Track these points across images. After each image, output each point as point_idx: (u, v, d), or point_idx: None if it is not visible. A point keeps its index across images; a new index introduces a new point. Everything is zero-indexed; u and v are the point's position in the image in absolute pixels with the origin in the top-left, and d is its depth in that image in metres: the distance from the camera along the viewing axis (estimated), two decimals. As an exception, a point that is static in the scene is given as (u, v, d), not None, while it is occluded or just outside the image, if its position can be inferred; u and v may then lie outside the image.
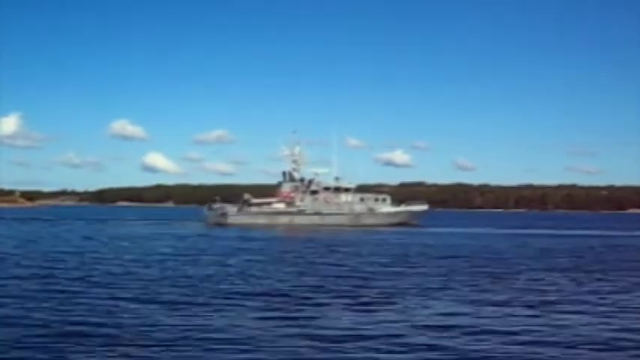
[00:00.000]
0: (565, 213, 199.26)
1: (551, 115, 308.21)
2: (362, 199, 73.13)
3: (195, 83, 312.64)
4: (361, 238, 49.04)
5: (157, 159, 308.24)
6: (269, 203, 71.92)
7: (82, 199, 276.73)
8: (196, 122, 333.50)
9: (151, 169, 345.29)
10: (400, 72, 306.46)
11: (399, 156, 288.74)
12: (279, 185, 73.28)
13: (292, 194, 71.44)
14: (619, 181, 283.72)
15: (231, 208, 71.14)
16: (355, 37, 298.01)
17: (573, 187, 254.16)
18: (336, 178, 73.01)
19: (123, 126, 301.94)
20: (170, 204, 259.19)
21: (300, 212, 70.52)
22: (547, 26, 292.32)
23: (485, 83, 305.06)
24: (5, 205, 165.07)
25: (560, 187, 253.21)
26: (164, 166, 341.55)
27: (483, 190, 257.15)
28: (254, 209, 71.08)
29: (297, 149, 72.81)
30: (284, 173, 73.12)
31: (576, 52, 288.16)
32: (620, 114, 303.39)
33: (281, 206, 71.01)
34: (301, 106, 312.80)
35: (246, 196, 72.74)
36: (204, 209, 74.11)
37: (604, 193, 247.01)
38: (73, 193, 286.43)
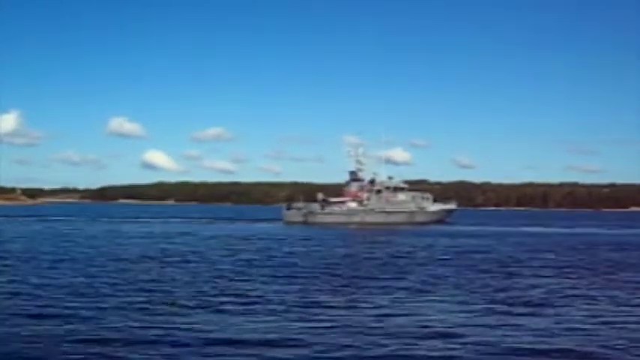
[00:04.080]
0: (568, 211, 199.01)
1: (552, 113, 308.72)
2: (413, 198, 77.37)
3: (191, 80, 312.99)
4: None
5: (156, 157, 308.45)
6: (343, 202, 75.50)
7: (83, 197, 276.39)
8: (193, 119, 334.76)
9: (150, 167, 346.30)
10: (398, 69, 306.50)
11: (399, 154, 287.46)
12: (347, 185, 76.78)
13: (359, 193, 75.11)
14: (621, 180, 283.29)
15: (317, 207, 74.48)
16: (353, 35, 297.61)
17: (575, 185, 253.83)
18: (389, 178, 77.26)
19: (121, 123, 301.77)
20: (171, 202, 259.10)
21: (371, 211, 74.21)
22: (548, 24, 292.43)
23: (484, 81, 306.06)
24: (7, 202, 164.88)
25: (562, 185, 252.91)
26: (164, 164, 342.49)
27: (485, 188, 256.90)
28: (336, 208, 74.64)
29: (360, 150, 76.45)
30: (350, 173, 76.64)
31: (577, 50, 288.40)
32: (621, 112, 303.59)
33: (354, 205, 74.71)
34: (298, 104, 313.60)
35: (320, 195, 76.00)
36: (283, 208, 77.67)
37: (606, 191, 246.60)
38: (74, 191, 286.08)
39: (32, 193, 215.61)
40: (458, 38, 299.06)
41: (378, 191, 75.30)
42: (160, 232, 53.89)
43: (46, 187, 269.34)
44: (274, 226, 67.87)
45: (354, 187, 75.73)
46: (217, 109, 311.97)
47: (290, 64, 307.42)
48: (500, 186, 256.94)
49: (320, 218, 72.46)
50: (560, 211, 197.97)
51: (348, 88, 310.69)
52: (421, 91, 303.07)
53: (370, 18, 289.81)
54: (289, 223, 70.81)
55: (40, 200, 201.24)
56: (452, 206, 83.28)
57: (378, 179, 76.46)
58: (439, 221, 76.41)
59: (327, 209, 74.31)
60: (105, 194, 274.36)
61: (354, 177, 76.28)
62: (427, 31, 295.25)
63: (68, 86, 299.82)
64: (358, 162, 76.31)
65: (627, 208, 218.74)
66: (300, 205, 75.65)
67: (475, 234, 57.05)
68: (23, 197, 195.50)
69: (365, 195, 75.06)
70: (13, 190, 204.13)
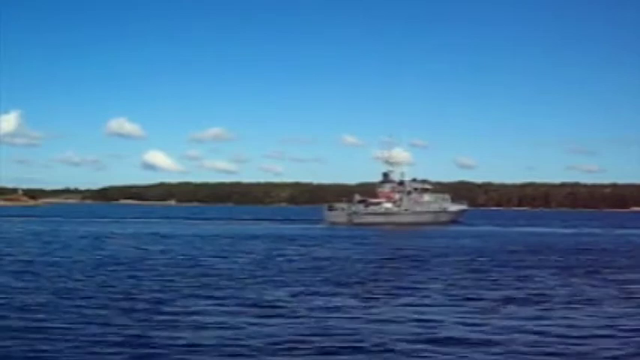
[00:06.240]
0: (570, 211, 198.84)
1: (552, 113, 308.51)
2: (436, 198, 79.63)
3: (191, 80, 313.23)
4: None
5: (156, 157, 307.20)
6: (380, 203, 77.28)
7: (84, 198, 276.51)
8: (192, 120, 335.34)
9: (151, 168, 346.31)
10: (397, 69, 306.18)
11: (399, 154, 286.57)
12: (380, 186, 78.56)
13: (391, 194, 77.13)
14: (622, 179, 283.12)
15: (361, 208, 76.00)
16: (352, 34, 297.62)
17: (576, 185, 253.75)
18: (414, 179, 79.00)
19: (120, 124, 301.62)
20: (172, 202, 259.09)
21: (405, 211, 76.22)
22: (548, 23, 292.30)
23: (485, 80, 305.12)
24: (9, 203, 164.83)
25: (563, 185, 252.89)
26: (164, 165, 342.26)
27: (487, 188, 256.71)
28: (375, 208, 76.31)
29: (394, 151, 79.08)
30: (384, 174, 78.80)
31: (577, 50, 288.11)
32: (622, 112, 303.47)
33: (389, 205, 76.73)
34: (298, 105, 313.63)
35: (357, 197, 77.41)
36: (324, 209, 77.90)
37: (607, 191, 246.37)
38: (76, 191, 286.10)
39: (33, 193, 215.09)
40: (458, 38, 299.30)
41: (409, 192, 77.25)
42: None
43: (47, 187, 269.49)
44: (321, 227, 67.72)
45: (387, 187, 77.52)
46: (217, 109, 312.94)
47: (290, 64, 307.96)
48: (502, 186, 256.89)
49: (363, 219, 73.49)
50: (561, 212, 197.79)
51: (348, 88, 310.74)
52: (421, 91, 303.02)
53: (370, 19, 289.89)
54: (333, 224, 71.29)
55: (41, 201, 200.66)
56: (464, 207, 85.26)
57: (406, 180, 78.51)
58: (455, 221, 77.79)
59: (370, 209, 75.73)
60: (106, 195, 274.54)
61: (386, 178, 78.16)
62: (427, 32, 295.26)
63: (68, 87, 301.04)
64: (389, 163, 78.36)
65: (628, 207, 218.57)
66: (343, 205, 76.61)
67: (505, 234, 58.92)
68: (25, 198, 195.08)
69: (397, 196, 76.83)
70: (14, 190, 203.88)
